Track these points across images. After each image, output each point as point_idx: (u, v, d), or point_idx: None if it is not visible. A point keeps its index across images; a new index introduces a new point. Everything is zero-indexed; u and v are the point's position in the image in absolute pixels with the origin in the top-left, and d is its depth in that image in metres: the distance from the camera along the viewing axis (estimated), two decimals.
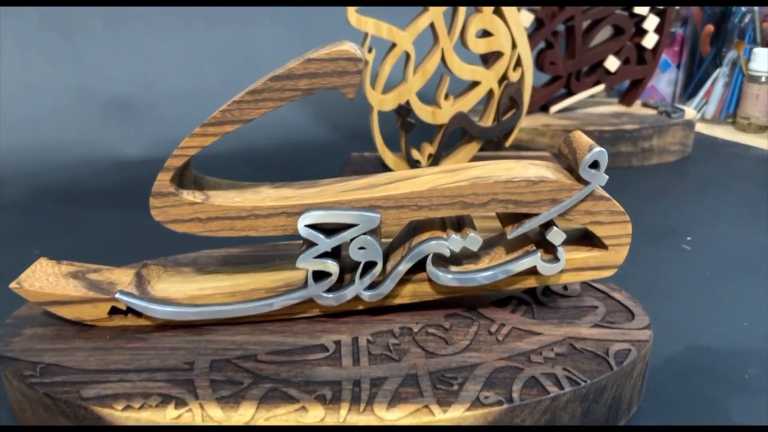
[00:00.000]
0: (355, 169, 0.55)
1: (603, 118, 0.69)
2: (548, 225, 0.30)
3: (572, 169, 0.30)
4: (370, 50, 0.47)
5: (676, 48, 0.89)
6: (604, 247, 0.30)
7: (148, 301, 0.30)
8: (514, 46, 0.49)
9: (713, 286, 0.42)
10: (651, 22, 0.69)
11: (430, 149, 0.51)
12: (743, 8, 0.78)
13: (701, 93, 0.84)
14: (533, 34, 0.68)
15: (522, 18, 0.66)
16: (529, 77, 0.50)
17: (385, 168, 0.51)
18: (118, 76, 0.72)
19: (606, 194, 0.30)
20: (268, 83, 0.27)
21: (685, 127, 0.68)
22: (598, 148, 0.28)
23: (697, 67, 0.85)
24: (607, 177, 0.29)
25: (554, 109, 0.71)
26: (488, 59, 0.54)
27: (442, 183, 0.29)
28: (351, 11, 0.45)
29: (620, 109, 0.73)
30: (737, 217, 0.53)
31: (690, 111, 0.69)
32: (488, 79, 0.49)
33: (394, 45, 0.47)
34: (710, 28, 0.80)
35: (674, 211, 0.55)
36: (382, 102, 0.48)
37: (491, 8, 0.47)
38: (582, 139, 0.30)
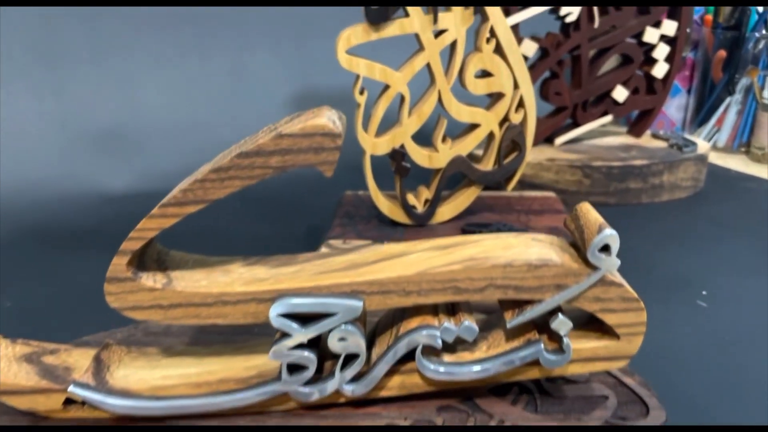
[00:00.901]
0: (347, 211, 0.52)
1: (611, 152, 0.66)
2: (553, 312, 0.26)
3: (579, 247, 0.27)
4: (362, 92, 0.44)
5: (686, 72, 0.85)
6: (615, 335, 0.27)
7: (106, 392, 0.27)
8: (516, 86, 0.46)
9: (734, 356, 0.38)
10: (661, 51, 0.66)
11: (426, 194, 0.48)
12: (757, 34, 0.74)
13: (713, 120, 0.81)
14: (537, 64, 0.65)
15: (525, 47, 0.63)
16: (532, 119, 0.47)
17: (378, 210, 0.48)
18: (104, 108, 0.70)
19: (618, 278, 0.26)
20: (234, 160, 0.24)
21: (698, 162, 0.64)
22: (608, 231, 0.25)
23: (709, 93, 0.81)
24: (618, 262, 0.26)
25: (559, 140, 0.68)
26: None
27: (433, 266, 0.26)
28: (341, 52, 0.42)
29: (629, 140, 0.70)
30: (755, 266, 0.50)
31: (702, 144, 0.66)
32: (488, 121, 0.46)
33: (387, 86, 0.44)
34: (722, 53, 0.77)
35: (687, 258, 0.51)
36: (375, 146, 0.45)
37: (491, 47, 0.44)
38: (590, 215, 0.27)
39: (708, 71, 0.81)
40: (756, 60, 0.75)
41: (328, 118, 0.24)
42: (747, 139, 0.78)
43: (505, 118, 0.47)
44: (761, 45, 0.74)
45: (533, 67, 0.65)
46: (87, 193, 0.65)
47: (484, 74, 0.45)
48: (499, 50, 0.45)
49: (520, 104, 0.47)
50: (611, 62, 0.67)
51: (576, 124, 0.68)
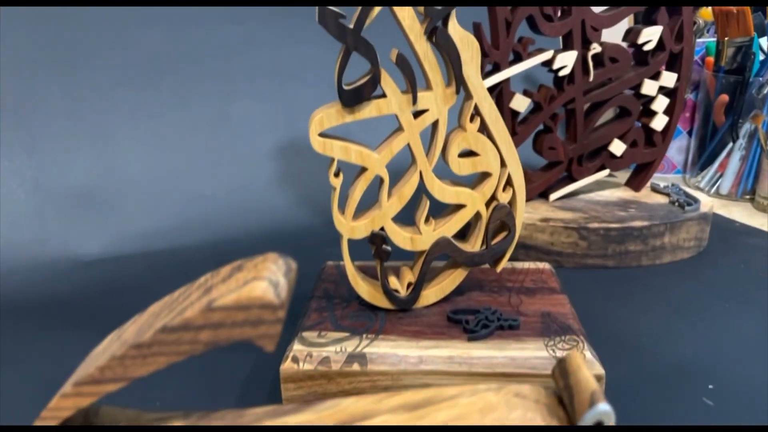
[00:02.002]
0: (326, 289, 0.49)
1: (608, 209, 0.62)
2: None
3: (566, 404, 0.23)
4: (337, 174, 0.41)
5: (687, 114, 0.82)
6: None
7: None
8: (503, 164, 0.43)
9: None
10: (660, 103, 0.63)
11: (410, 276, 0.44)
12: (761, 78, 0.71)
13: (715, 165, 0.78)
14: (530, 118, 0.62)
15: (517, 103, 0.60)
16: (522, 198, 0.44)
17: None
18: (78, 165, 0.67)
19: None
20: (158, 336, 0.21)
21: (701, 221, 0.61)
22: (602, 407, 0.21)
23: (711, 137, 0.78)
24: None
25: (554, 196, 0.65)
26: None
27: None
28: (314, 135, 0.39)
29: (627, 194, 0.67)
30: (764, 347, 0.46)
31: (705, 201, 0.63)
32: (474, 201, 0.43)
33: (364, 168, 0.41)
34: (724, 98, 0.74)
35: (691, 336, 0.48)
36: (353, 230, 0.42)
37: (476, 125, 0.41)
38: (581, 374, 0.23)
39: (709, 114, 0.77)
40: (760, 105, 0.72)
41: (270, 282, 0.21)
42: (751, 186, 0.75)
43: (493, 197, 0.44)
44: (766, 90, 0.71)
45: (525, 121, 0.62)
46: (57, 259, 0.62)
47: (469, 153, 0.42)
48: (484, 128, 0.42)
49: (509, 182, 0.43)
50: (608, 114, 0.64)
51: (571, 179, 0.65)
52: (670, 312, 0.52)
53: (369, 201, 0.42)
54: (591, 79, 0.60)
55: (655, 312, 0.52)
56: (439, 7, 0.37)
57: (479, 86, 0.40)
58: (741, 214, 0.72)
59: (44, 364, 0.47)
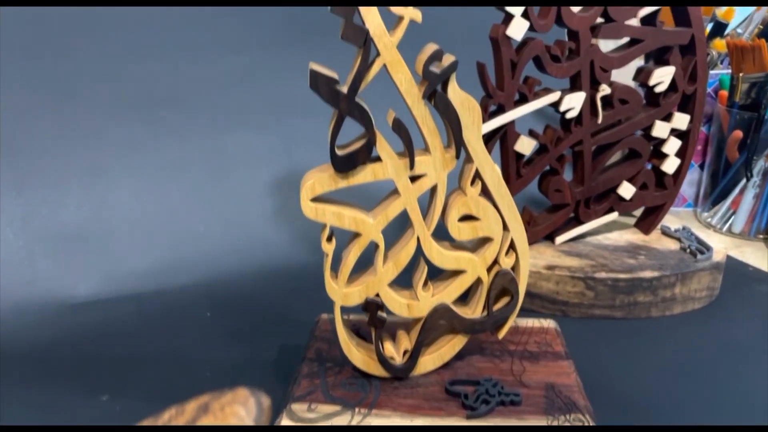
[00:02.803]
0: (318, 350, 0.46)
1: (616, 256, 0.60)
2: None
3: None
4: (330, 239, 0.38)
5: (699, 147, 0.80)
6: None
7: None
8: (505, 227, 0.40)
9: None
10: (672, 146, 0.60)
11: (406, 343, 0.42)
12: None
13: (728, 201, 0.75)
14: (536, 159, 0.59)
15: (522, 145, 0.58)
16: (526, 263, 0.42)
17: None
18: (67, 202, 0.65)
19: None
20: None
21: (714, 271, 0.58)
22: None
23: (723, 172, 0.75)
24: None
25: (560, 239, 0.63)
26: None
27: None
28: (305, 201, 0.37)
29: (636, 237, 0.64)
30: None
31: (718, 248, 0.60)
32: (475, 267, 0.40)
33: (358, 233, 0.39)
34: (738, 134, 0.71)
35: (700, 402, 0.45)
36: (346, 297, 0.40)
37: (477, 189, 0.39)
38: None
39: (722, 148, 0.75)
40: None
41: (238, 419, 0.18)
42: (765, 225, 0.72)
43: (495, 262, 0.41)
44: None
45: (531, 162, 0.60)
46: (45, 302, 0.60)
47: (470, 216, 0.40)
48: (485, 191, 0.39)
49: (512, 246, 0.41)
50: (617, 154, 0.62)
51: (578, 221, 0.63)
52: (679, 372, 0.49)
53: (363, 262, 0.40)
54: (600, 121, 0.58)
55: (663, 371, 0.50)
56: (438, 71, 0.35)
57: (480, 150, 0.38)
58: (754, 255, 0.69)
59: (27, 419, 0.45)
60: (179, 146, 0.69)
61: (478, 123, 0.37)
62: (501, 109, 0.57)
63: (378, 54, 0.35)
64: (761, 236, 0.73)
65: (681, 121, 0.59)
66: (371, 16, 0.34)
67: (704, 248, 0.59)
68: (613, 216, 0.63)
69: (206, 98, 0.71)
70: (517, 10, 0.53)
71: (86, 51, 0.66)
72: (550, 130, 0.59)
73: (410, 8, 0.34)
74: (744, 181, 0.72)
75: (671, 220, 0.66)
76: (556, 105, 0.57)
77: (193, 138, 0.70)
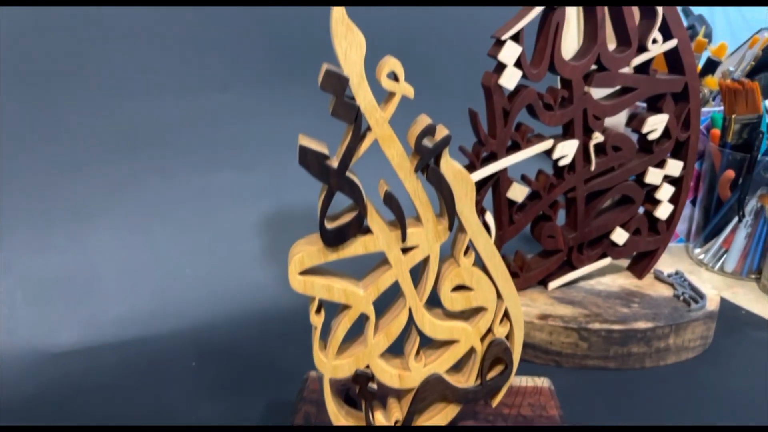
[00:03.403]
0: (307, 414, 0.45)
1: (610, 303, 0.59)
2: None
3: None
4: (318, 310, 0.37)
5: (691, 183, 0.79)
6: None
7: None
8: (499, 296, 0.39)
9: None
10: (665, 192, 0.60)
11: (398, 413, 0.41)
12: None
13: (720, 239, 0.75)
14: (528, 205, 0.59)
15: (515, 192, 0.57)
16: (520, 332, 0.41)
17: None
18: (50, 246, 0.63)
19: None
20: None
21: (707, 320, 0.58)
22: None
23: (715, 209, 0.75)
24: None
25: (553, 285, 0.62)
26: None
27: None
28: (293, 275, 0.36)
29: (629, 281, 0.63)
30: None
31: (712, 295, 0.59)
32: (468, 336, 0.39)
33: (348, 306, 0.37)
34: (730, 173, 0.71)
35: None
36: (335, 369, 0.39)
37: (470, 260, 0.38)
38: None
39: (714, 185, 0.74)
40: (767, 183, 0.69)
41: None
42: (757, 265, 0.72)
43: (489, 330, 0.40)
44: None
45: (523, 208, 0.59)
46: (26, 351, 0.58)
47: (463, 286, 0.39)
48: (479, 262, 0.38)
49: (506, 315, 0.40)
50: (610, 199, 0.61)
51: (571, 266, 0.62)
52: (674, 423, 0.49)
53: (353, 329, 0.39)
54: (593, 168, 0.57)
55: (657, 423, 0.49)
56: (430, 146, 0.34)
57: (474, 221, 0.37)
58: (746, 297, 0.69)
59: None
60: (165, 186, 0.68)
61: (471, 195, 0.36)
62: (493, 157, 0.56)
63: (369, 129, 0.33)
64: (753, 276, 0.72)
65: (674, 167, 0.59)
66: (362, 92, 0.33)
67: (698, 296, 0.59)
68: (606, 261, 0.62)
69: (192, 137, 0.70)
70: (509, 59, 0.52)
71: (69, 90, 0.65)
72: (543, 176, 0.58)
73: (403, 84, 0.33)
74: (736, 219, 0.72)
75: (664, 259, 0.65)
76: (548, 152, 0.57)
77: (179, 178, 0.69)
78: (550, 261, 0.61)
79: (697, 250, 0.78)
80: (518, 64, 0.53)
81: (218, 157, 0.70)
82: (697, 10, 1.05)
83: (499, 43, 0.52)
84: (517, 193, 0.57)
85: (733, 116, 0.69)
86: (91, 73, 0.66)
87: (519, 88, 0.54)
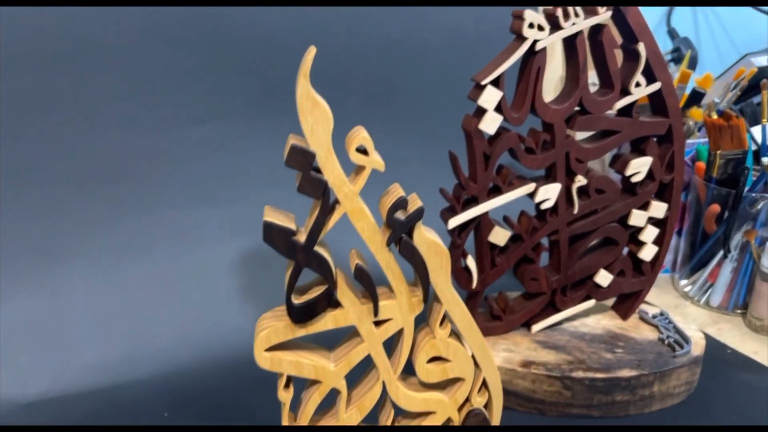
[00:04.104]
0: None
1: (594, 349, 0.58)
2: None
3: None
4: (287, 385, 0.36)
5: (676, 219, 0.78)
6: None
7: None
8: (477, 365, 0.38)
9: None
10: (649, 234, 0.59)
11: None
12: (754, 194, 0.67)
13: (706, 273, 0.74)
14: (511, 247, 0.57)
15: (497, 235, 0.56)
16: (499, 401, 0.39)
17: None
18: (18, 290, 0.61)
19: None
20: None
21: (692, 365, 0.57)
22: None
23: (701, 242, 0.74)
24: None
25: (536, 327, 0.61)
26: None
27: None
28: (259, 351, 0.34)
29: (614, 323, 0.62)
30: None
31: (697, 339, 0.58)
32: (445, 408, 0.38)
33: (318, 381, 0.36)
34: (716, 208, 0.70)
35: None
36: None
37: (446, 331, 0.36)
38: None
39: (699, 218, 0.74)
40: (753, 220, 0.68)
41: None
42: (743, 301, 0.71)
43: (467, 400, 0.39)
44: (759, 206, 0.67)
45: (505, 251, 0.58)
46: None
47: (440, 357, 0.37)
48: (454, 332, 0.37)
49: (484, 383, 0.39)
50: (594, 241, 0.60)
51: (555, 308, 0.61)
52: None
53: (326, 399, 0.38)
54: (576, 211, 0.56)
55: None
56: (403, 219, 0.32)
57: (449, 293, 0.35)
58: (732, 334, 0.68)
59: None
60: (139, 225, 0.66)
61: (446, 266, 0.35)
62: (474, 200, 0.54)
63: (338, 202, 0.32)
64: (739, 311, 0.71)
65: (658, 209, 0.58)
66: (330, 166, 0.31)
67: (683, 340, 0.58)
68: (591, 303, 0.61)
69: (167, 172, 0.68)
70: (489, 104, 0.51)
71: (37, 125, 0.63)
72: (525, 219, 0.57)
73: (374, 157, 0.31)
74: (721, 253, 0.71)
75: (649, 293, 0.64)
76: (531, 195, 0.55)
77: (153, 215, 0.67)
78: (534, 303, 0.60)
79: (683, 282, 0.77)
80: (499, 108, 0.51)
81: (194, 192, 0.69)
82: (683, 32, 1.04)
83: (479, 87, 0.51)
84: (499, 236, 0.56)
85: (719, 152, 0.68)
86: (60, 106, 0.64)
87: (500, 131, 0.53)
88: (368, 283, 0.33)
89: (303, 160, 0.30)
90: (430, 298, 0.36)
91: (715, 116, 0.71)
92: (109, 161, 0.66)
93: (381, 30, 0.75)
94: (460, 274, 0.57)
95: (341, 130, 0.74)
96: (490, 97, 0.51)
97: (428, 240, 0.33)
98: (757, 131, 0.79)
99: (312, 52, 0.29)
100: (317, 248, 0.32)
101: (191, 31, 0.66)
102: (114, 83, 0.64)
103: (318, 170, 0.31)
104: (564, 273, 0.59)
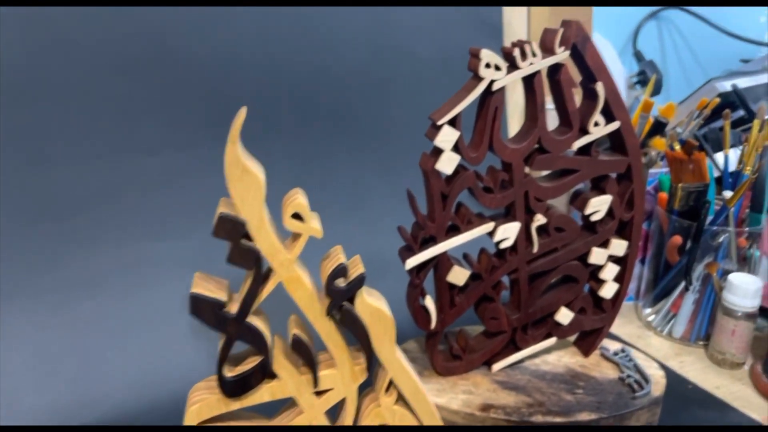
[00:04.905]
0: None
1: (554, 389, 0.57)
2: None
3: None
4: None
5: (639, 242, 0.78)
6: None
7: None
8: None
9: None
10: (609, 272, 0.58)
11: None
12: (715, 227, 0.67)
13: (668, 303, 0.73)
14: (470, 285, 0.56)
15: (455, 275, 0.55)
16: None
17: None
18: None
19: None
20: None
21: (653, 406, 0.56)
22: None
23: (664, 271, 0.74)
24: None
25: (497, 367, 0.59)
26: None
27: None
28: (190, 423, 0.32)
29: (575, 360, 0.61)
30: None
31: (658, 378, 0.58)
32: None
33: None
34: (678, 239, 0.70)
35: None
36: None
37: (392, 399, 0.35)
38: None
39: (662, 248, 0.73)
40: (715, 252, 0.68)
41: None
42: (705, 333, 0.71)
43: None
44: (720, 239, 0.67)
45: (465, 290, 0.56)
46: None
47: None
48: (401, 398, 0.35)
49: None
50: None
51: (516, 347, 0.60)
52: None
53: None
54: (535, 249, 0.55)
55: None
56: (344, 287, 0.31)
57: (394, 359, 0.34)
58: (694, 367, 0.68)
59: None
60: (87, 261, 0.63)
61: (390, 333, 0.33)
62: (433, 239, 0.53)
63: (273, 271, 0.30)
64: (701, 342, 0.71)
65: (618, 247, 0.57)
66: (263, 235, 0.29)
67: (643, 380, 0.57)
68: (552, 341, 0.60)
69: (118, 205, 0.65)
70: (446, 144, 0.49)
71: None
72: (485, 257, 0.56)
73: (310, 224, 0.30)
74: (683, 284, 0.71)
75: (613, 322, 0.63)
76: (490, 234, 0.54)
77: (102, 251, 0.64)
78: (494, 342, 0.59)
79: (647, 311, 0.77)
80: (456, 147, 0.50)
81: (146, 226, 0.66)
82: (648, 54, 1.05)
83: (436, 127, 0.49)
84: (458, 276, 0.55)
85: (680, 185, 0.68)
86: (1, 138, 0.61)
87: (458, 170, 0.52)
88: (306, 355, 0.31)
89: (232, 229, 0.28)
90: (374, 364, 0.34)
91: (677, 146, 0.71)
92: (55, 194, 0.63)
93: (344, 56, 0.74)
94: (418, 314, 0.55)
95: (302, 159, 0.72)
96: (446, 137, 0.49)
97: (371, 307, 0.32)
98: (720, 157, 0.79)
99: (242, 114, 0.27)
100: (251, 319, 0.30)
101: (140, 57, 0.64)
102: (59, 113, 0.62)
103: (250, 237, 0.29)
104: (524, 311, 0.58)
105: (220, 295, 0.30)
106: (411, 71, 0.78)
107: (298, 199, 0.29)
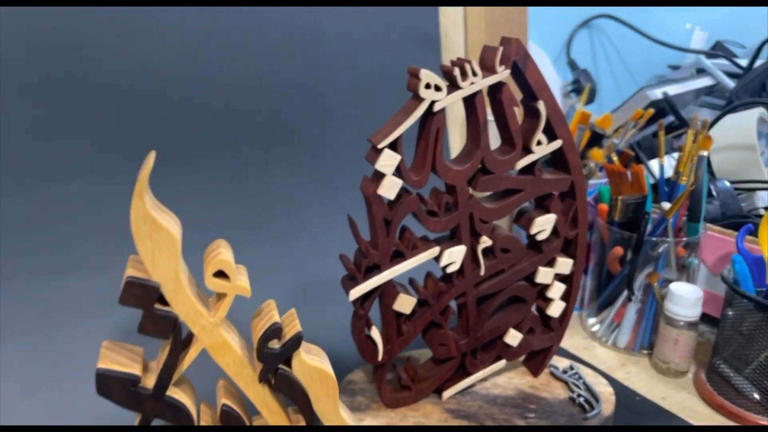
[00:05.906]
0: None
1: (506, 414, 0.55)
2: None
3: None
4: None
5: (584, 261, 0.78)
6: None
7: None
8: None
9: None
10: (556, 290, 0.57)
11: None
12: (654, 238, 0.68)
13: (612, 313, 0.74)
14: (418, 312, 0.54)
15: (402, 303, 0.52)
16: None
17: None
18: None
19: None
20: None
21: (604, 425, 0.55)
22: None
23: (606, 281, 0.74)
24: None
25: (447, 394, 0.57)
26: None
27: None
28: None
29: (525, 381, 0.60)
30: None
31: (608, 396, 0.57)
32: None
33: None
34: (618, 251, 0.70)
35: None
36: None
37: None
38: None
39: (604, 258, 0.74)
40: (655, 262, 0.68)
41: None
42: (648, 342, 0.71)
43: None
44: (660, 249, 0.68)
45: (412, 317, 0.54)
46: None
47: None
48: None
49: None
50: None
51: (466, 372, 0.58)
52: None
53: None
54: (482, 272, 0.53)
55: None
56: (278, 350, 0.27)
57: (338, 420, 0.31)
58: (640, 377, 0.68)
59: None
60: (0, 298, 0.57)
61: (333, 393, 0.30)
62: (377, 267, 0.50)
63: (195, 338, 0.26)
64: (645, 351, 0.72)
65: (564, 266, 0.56)
66: (181, 298, 0.26)
67: (593, 399, 0.56)
68: (501, 364, 0.59)
69: (30, 237, 0.59)
70: (388, 169, 0.47)
71: None
72: (431, 282, 0.54)
73: (236, 282, 0.26)
74: (625, 294, 0.71)
75: None
76: (436, 258, 0.52)
77: (13, 286, 0.58)
78: (444, 368, 0.57)
79: (591, 320, 0.77)
80: (398, 171, 0.48)
81: (61, 259, 0.60)
82: (581, 62, 1.06)
83: (376, 150, 0.47)
84: (405, 304, 0.52)
85: (620, 197, 0.68)
86: None
87: (401, 194, 0.49)
88: (237, 426, 0.28)
89: (144, 295, 0.24)
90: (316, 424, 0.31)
91: (615, 158, 0.71)
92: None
93: (278, 72, 0.70)
94: (364, 346, 0.52)
95: (237, 180, 0.67)
96: (387, 161, 0.47)
97: (311, 368, 0.29)
98: (654, 164, 0.80)
99: (150, 160, 0.23)
100: (171, 392, 0.27)
101: (52, 75, 0.58)
102: None
103: (165, 301, 0.25)
104: (473, 335, 0.56)
105: (133, 368, 0.26)
106: (348, 84, 0.75)
107: (220, 255, 0.26)
